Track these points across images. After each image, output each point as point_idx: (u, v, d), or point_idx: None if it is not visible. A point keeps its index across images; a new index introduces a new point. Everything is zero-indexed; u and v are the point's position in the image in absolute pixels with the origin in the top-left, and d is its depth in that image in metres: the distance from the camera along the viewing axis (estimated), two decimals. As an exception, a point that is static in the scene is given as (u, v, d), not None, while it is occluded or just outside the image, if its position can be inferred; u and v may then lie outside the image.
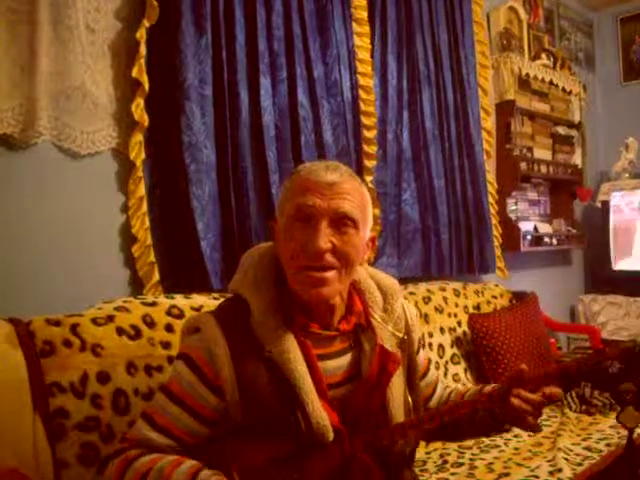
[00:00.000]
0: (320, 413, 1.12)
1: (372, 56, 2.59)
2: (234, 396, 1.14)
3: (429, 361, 1.47)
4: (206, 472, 1.05)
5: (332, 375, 1.20)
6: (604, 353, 1.23)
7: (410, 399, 1.26)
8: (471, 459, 2.03)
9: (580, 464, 1.93)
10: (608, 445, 2.07)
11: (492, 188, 3.25)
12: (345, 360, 1.23)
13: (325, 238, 1.13)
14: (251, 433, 1.13)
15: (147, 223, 1.90)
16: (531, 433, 2.27)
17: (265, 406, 1.13)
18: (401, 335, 1.29)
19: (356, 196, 1.19)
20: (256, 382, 1.14)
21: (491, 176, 3.27)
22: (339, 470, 1.13)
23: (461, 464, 1.99)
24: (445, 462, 2.01)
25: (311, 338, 1.19)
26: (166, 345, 1.56)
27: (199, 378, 1.15)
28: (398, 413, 1.22)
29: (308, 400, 1.12)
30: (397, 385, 1.25)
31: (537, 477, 1.84)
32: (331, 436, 1.12)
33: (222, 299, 1.34)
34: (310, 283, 1.15)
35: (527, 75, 3.52)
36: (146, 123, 1.87)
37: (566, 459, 1.96)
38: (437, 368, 2.40)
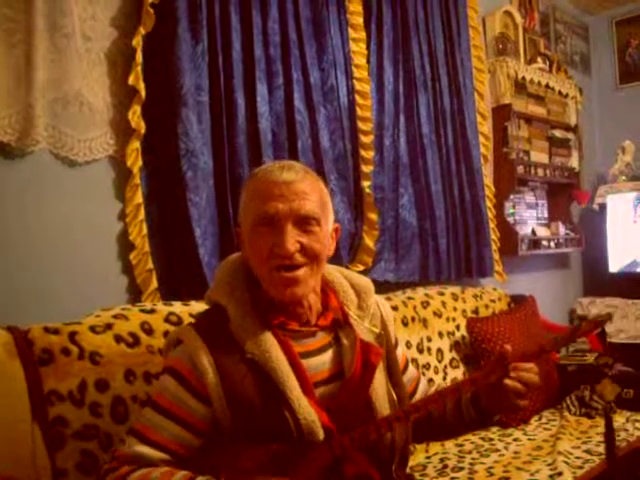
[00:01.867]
0: (307, 409, 1.13)
1: (368, 61, 2.60)
2: (221, 402, 1.14)
3: (407, 357, 1.47)
4: (200, 478, 1.06)
5: (316, 372, 1.21)
6: (579, 328, 1.24)
7: (394, 394, 1.27)
8: (471, 463, 2.03)
9: (580, 467, 1.93)
10: (608, 448, 2.08)
11: (489, 192, 3.25)
12: (327, 357, 1.24)
13: (292, 240, 1.16)
14: (241, 439, 1.13)
15: (145, 230, 1.90)
16: (531, 436, 2.28)
17: (252, 408, 1.13)
18: (377, 331, 1.31)
19: (315, 193, 1.22)
20: (241, 385, 1.14)
21: (488, 180, 3.27)
22: (331, 470, 1.13)
23: (461, 468, 1.99)
24: (445, 467, 2.02)
25: (291, 336, 1.21)
26: (164, 352, 1.55)
27: (185, 388, 1.16)
28: (383, 408, 1.23)
29: (293, 397, 1.13)
30: (380, 380, 1.25)
31: (537, 481, 1.84)
32: (321, 434, 1.13)
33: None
34: (283, 283, 1.18)
35: (523, 79, 3.53)
36: (143, 130, 1.87)
37: (566, 463, 1.96)
38: (436, 372, 2.40)
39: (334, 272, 1.37)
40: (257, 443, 1.12)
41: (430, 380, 2.31)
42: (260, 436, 1.12)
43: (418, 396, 1.43)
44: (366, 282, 1.38)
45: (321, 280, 1.29)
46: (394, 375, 1.31)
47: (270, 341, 1.17)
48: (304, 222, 1.18)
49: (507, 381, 1.19)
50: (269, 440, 1.11)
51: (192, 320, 1.60)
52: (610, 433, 1.28)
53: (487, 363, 1.25)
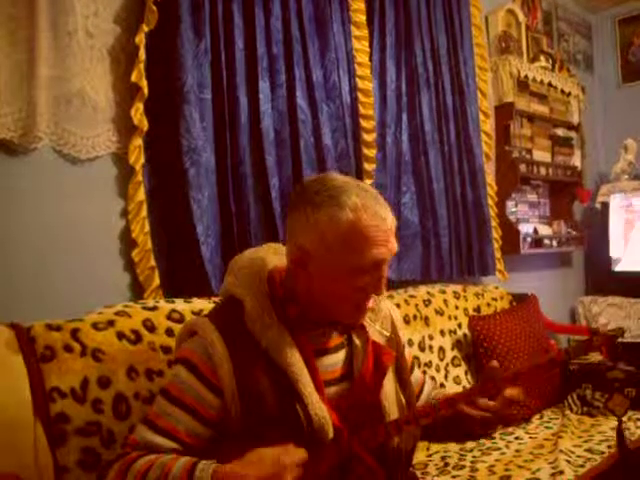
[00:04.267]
0: (319, 405, 1.14)
1: (371, 59, 2.60)
2: (233, 394, 1.14)
3: (413, 361, 1.48)
4: (205, 462, 1.06)
5: (329, 371, 1.22)
6: (590, 343, 1.24)
7: (402, 396, 1.27)
8: (472, 461, 2.02)
9: (582, 466, 1.93)
10: (609, 447, 2.07)
11: (492, 190, 3.25)
12: (340, 356, 1.25)
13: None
14: (251, 434, 1.13)
15: (147, 227, 1.90)
16: (532, 435, 2.28)
17: (264, 402, 1.14)
18: (388, 334, 1.32)
19: None
20: (254, 379, 1.15)
21: (490, 178, 3.27)
22: (339, 469, 1.13)
23: (462, 467, 1.99)
24: (446, 464, 2.01)
25: (305, 333, 1.22)
26: (167, 350, 1.56)
27: (198, 379, 1.16)
28: (392, 410, 1.23)
29: (306, 393, 1.14)
30: (390, 382, 1.26)
31: (538, 479, 1.84)
32: (331, 432, 1.13)
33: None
34: (365, 312, 1.23)
35: (526, 77, 3.52)
36: (145, 127, 1.87)
37: (567, 461, 1.95)
38: (437, 371, 2.40)
39: None
40: (266, 439, 1.11)
41: (442, 385, 2.32)
42: (270, 430, 1.12)
43: (421, 400, 1.43)
44: None
45: None
46: (403, 378, 1.32)
47: (286, 336, 1.18)
48: None
49: (469, 410, 1.23)
50: (279, 435, 1.11)
51: (193, 316, 1.61)
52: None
53: (481, 377, 1.28)
